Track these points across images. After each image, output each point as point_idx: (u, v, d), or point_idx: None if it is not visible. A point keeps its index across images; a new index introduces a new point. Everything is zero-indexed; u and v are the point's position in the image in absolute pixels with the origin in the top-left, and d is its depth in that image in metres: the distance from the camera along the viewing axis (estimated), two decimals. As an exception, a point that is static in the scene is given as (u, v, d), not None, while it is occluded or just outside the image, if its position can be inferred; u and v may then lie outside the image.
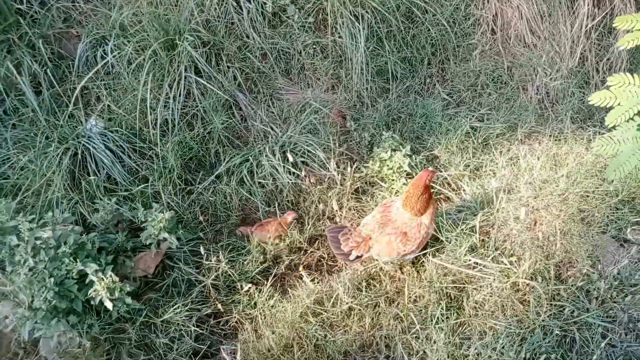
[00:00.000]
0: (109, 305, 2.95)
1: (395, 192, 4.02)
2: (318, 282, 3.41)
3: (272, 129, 4.38)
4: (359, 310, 3.12)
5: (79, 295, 3.02)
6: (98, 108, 4.17)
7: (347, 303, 3.14)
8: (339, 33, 4.62)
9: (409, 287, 3.22)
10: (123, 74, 4.19)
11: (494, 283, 3.09)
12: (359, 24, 4.63)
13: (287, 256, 3.61)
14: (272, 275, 3.43)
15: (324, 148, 4.15)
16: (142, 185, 3.87)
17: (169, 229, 3.34)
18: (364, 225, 3.20)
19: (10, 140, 3.93)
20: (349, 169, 3.98)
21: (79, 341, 3.09)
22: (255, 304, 3.26)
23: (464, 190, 3.92)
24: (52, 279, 2.91)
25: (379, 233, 3.13)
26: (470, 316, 3.03)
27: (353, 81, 4.65)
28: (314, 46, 4.64)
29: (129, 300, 3.09)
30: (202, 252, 3.39)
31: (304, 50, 4.64)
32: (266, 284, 3.35)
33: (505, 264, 3.17)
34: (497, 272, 3.13)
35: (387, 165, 4.09)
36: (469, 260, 3.21)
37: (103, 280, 2.93)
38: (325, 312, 3.16)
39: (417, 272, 3.34)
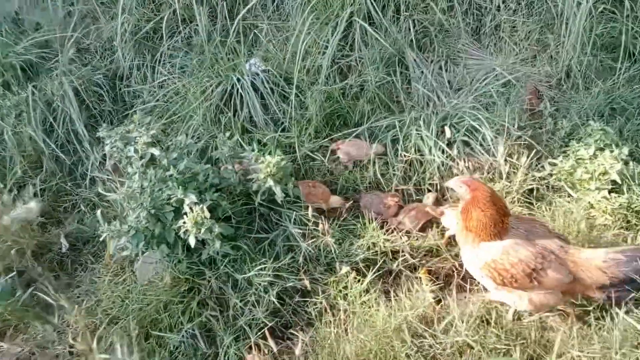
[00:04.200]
0: (191, 241, 2.67)
1: (590, 206, 2.81)
2: (437, 297, 2.55)
3: (437, 97, 3.55)
4: (478, 351, 2.17)
5: (173, 225, 2.82)
6: (262, 47, 3.97)
7: (463, 335, 2.22)
8: (558, -15, 3.46)
9: (565, 342, 2.12)
10: (290, 12, 3.89)
11: None
12: (593, -26, 3.38)
13: (410, 254, 2.82)
14: (377, 266, 2.69)
15: (497, 129, 3.15)
16: (278, 133, 3.53)
17: (278, 178, 2.90)
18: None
19: (176, 66, 4.02)
20: (523, 159, 2.92)
21: (162, 274, 2.93)
22: (346, 295, 2.59)
23: None
24: (150, 199, 2.76)
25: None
26: None
27: (564, 52, 3.45)
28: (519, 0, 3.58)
29: (217, 244, 2.76)
30: (310, 214, 2.86)
31: (503, 3, 3.62)
32: (367, 275, 2.64)
33: None
34: None
35: (585, 168, 2.89)
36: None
37: (192, 212, 2.66)
38: (431, 336, 2.30)
39: (589, 326, 2.19)
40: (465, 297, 2.53)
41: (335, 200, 3.11)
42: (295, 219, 3.00)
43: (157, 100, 3.93)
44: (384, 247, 2.81)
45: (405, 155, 3.20)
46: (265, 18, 3.98)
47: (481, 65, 3.63)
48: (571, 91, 3.44)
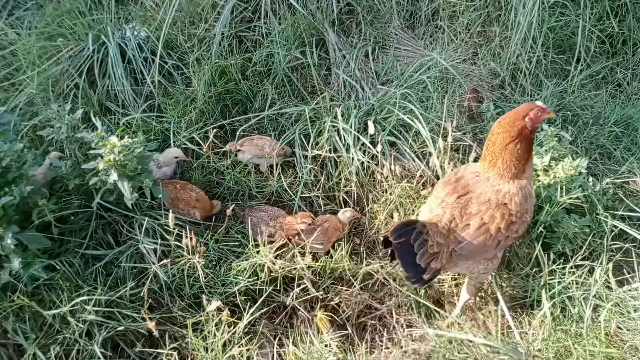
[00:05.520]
0: (-41, 255, 1.68)
1: (543, 228, 2.18)
2: (344, 349, 1.75)
3: (361, 86, 2.85)
4: None
5: (-53, 229, 1.80)
6: (139, 7, 3.06)
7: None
8: (505, -29, 2.94)
9: None
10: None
11: None
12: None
13: (312, 280, 2.01)
14: (261, 300, 1.85)
15: (432, 127, 2.48)
16: (140, 113, 2.61)
17: (129, 171, 1.99)
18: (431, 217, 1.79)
19: (24, 22, 2.98)
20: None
21: None
22: (207, 347, 1.70)
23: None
24: None
25: (460, 219, 1.74)
26: None
27: (510, 47, 2.91)
28: (461, -17, 3.02)
29: (15, 263, 1.78)
30: (171, 223, 1.95)
31: (443, -15, 3.04)
32: (245, 315, 1.78)
33: None
34: None
35: (539, 181, 2.27)
36: None
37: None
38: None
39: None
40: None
41: (217, 207, 2.26)
42: (152, 230, 2.09)
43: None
44: (275, 271, 1.97)
45: (315, 153, 2.43)
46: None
47: (413, 57, 3.00)
48: (516, 95, 2.89)
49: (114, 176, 1.96)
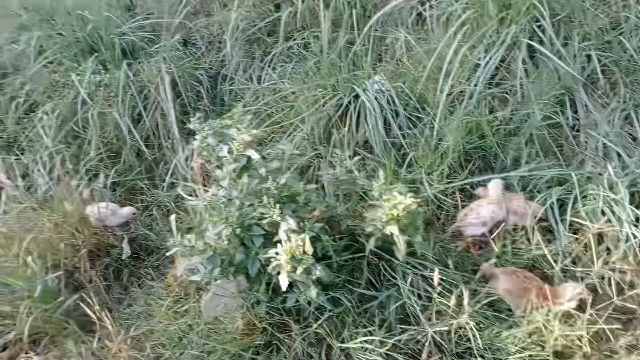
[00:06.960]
0: (282, 281, 1.95)
1: None
2: None
3: (620, 152, 2.67)
4: None
5: (260, 253, 2.12)
6: (392, 61, 3.31)
7: None
8: None
9: None
10: (433, 28, 3.23)
11: None
12: None
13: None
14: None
15: None
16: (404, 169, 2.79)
17: (405, 224, 2.12)
18: None
19: (287, 71, 3.45)
20: None
21: (234, 315, 2.22)
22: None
23: None
24: (238, 214, 2.09)
25: None
26: None
27: None
28: None
29: (312, 292, 2.01)
30: (435, 279, 2.03)
31: None
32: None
33: None
34: None
35: None
36: None
37: (290, 242, 1.94)
38: None
39: None
40: None
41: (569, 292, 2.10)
42: (413, 282, 2.19)
43: (266, 104, 3.35)
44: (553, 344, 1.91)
45: (588, 225, 2.29)
46: (402, 28, 3.34)
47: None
48: None
49: (394, 230, 2.10)
